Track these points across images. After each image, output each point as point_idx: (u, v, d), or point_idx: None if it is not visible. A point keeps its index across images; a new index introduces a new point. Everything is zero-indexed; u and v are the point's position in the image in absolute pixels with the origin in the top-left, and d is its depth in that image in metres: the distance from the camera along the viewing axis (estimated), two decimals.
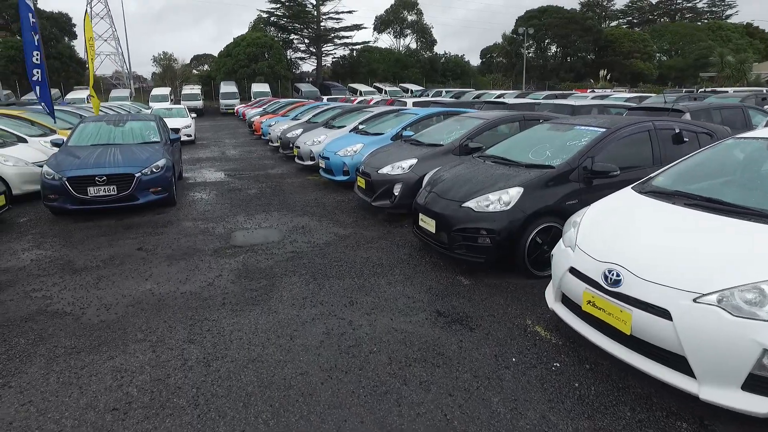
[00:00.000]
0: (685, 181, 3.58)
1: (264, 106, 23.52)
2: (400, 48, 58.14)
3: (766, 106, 10.14)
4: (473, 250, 4.38)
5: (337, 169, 8.50)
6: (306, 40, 52.69)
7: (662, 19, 68.83)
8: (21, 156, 8.17)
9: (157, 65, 56.28)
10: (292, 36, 52.10)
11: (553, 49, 59.01)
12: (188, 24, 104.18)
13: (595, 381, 2.94)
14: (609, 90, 31.98)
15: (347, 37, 53.15)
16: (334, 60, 54.59)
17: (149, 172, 7.01)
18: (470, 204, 4.45)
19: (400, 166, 6.42)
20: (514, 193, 4.37)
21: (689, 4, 68.40)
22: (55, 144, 8.16)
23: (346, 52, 53.87)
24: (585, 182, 4.54)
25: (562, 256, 3.34)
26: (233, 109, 33.31)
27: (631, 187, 3.69)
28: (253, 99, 33.54)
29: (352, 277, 4.61)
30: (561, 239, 3.54)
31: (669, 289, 2.54)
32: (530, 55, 55.86)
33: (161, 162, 7.21)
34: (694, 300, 2.42)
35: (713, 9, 68.14)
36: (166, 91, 35.63)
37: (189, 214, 7.17)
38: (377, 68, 50.41)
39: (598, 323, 2.93)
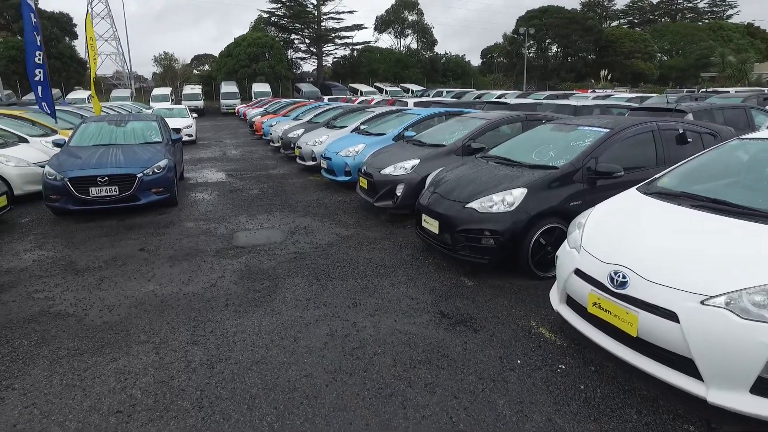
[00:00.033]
0: (691, 182, 3.56)
1: (265, 106, 23.51)
2: (401, 48, 58.17)
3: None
4: (477, 251, 4.37)
5: (339, 169, 8.49)
6: (307, 40, 52.72)
7: (663, 19, 68.77)
8: (22, 156, 8.17)
9: (158, 65, 56.35)
10: (293, 36, 52.12)
11: (554, 49, 59.01)
12: (189, 24, 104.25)
13: (601, 383, 2.92)
14: (610, 90, 31.92)
15: (348, 37, 53.23)
16: (334, 60, 54.69)
17: (151, 173, 7.00)
18: (474, 205, 4.44)
19: (402, 167, 6.40)
20: (517, 194, 4.35)
21: (690, 4, 68.35)
22: (56, 144, 8.15)
23: (347, 52, 53.95)
24: (589, 183, 4.53)
25: (567, 257, 3.33)
26: (234, 109, 33.32)
27: (636, 188, 3.68)
28: (253, 99, 33.55)
29: (355, 278, 4.60)
30: (566, 240, 3.52)
31: (676, 291, 2.52)
32: (531, 55, 55.83)
33: (163, 162, 7.20)
34: (702, 302, 2.41)
35: (714, 9, 68.10)
36: (166, 91, 35.65)
37: (191, 214, 7.16)
38: (378, 68, 50.40)
39: (603, 325, 2.92)
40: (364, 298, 4.14)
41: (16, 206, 7.25)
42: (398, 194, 6.25)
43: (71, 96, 31.27)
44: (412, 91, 40.22)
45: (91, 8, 47.63)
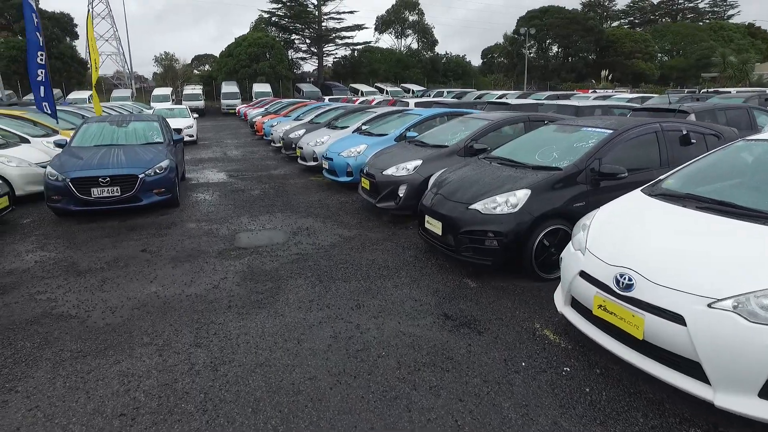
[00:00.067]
0: (696, 183, 3.55)
1: (266, 107, 23.50)
2: (402, 48, 58.13)
3: None
4: (480, 252, 4.36)
5: (340, 170, 8.48)
6: (307, 41, 52.68)
7: (664, 20, 68.72)
8: (24, 157, 8.16)
9: (159, 65, 56.34)
10: (294, 36, 52.09)
11: (555, 49, 58.98)
12: (189, 24, 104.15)
13: (606, 386, 2.91)
14: (610, 90, 31.91)
15: (348, 38, 53.18)
16: (335, 60, 54.64)
17: (153, 173, 6.99)
18: (477, 206, 4.43)
19: (404, 168, 6.39)
20: (521, 195, 4.34)
21: (691, 5, 68.29)
22: (58, 145, 8.14)
23: (348, 52, 53.92)
24: (592, 184, 4.51)
25: (571, 259, 3.32)
26: (235, 109, 33.31)
27: (641, 190, 3.66)
28: (254, 99, 33.54)
29: (358, 279, 4.59)
30: (570, 242, 3.51)
31: (683, 294, 2.51)
32: (531, 55, 55.82)
33: (165, 163, 7.19)
34: (709, 305, 2.39)
35: (715, 9, 68.08)
36: (167, 91, 35.65)
37: (192, 215, 7.15)
38: (378, 68, 50.38)
39: (609, 328, 2.91)
40: (368, 300, 4.12)
41: (18, 207, 7.24)
42: (401, 195, 6.24)
43: (72, 96, 31.27)
44: (413, 91, 40.21)
45: (92, 8, 47.61)
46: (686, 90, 31.44)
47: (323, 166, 9.21)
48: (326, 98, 29.86)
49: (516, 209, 4.29)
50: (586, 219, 3.55)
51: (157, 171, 7.04)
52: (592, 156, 4.57)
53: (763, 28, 61.93)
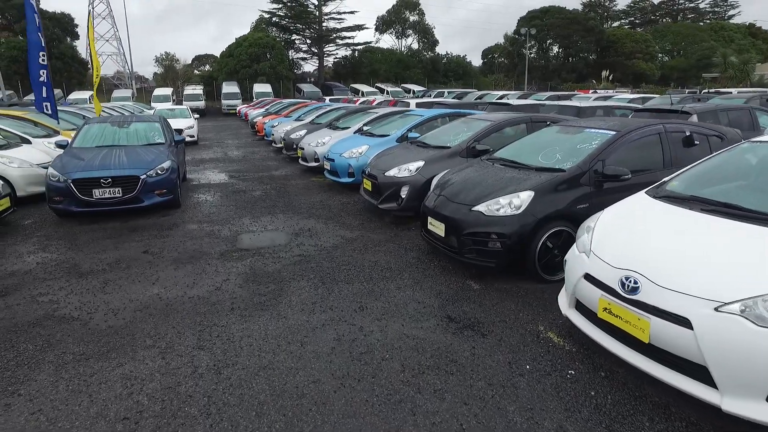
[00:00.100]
0: (701, 185, 3.54)
1: (266, 107, 23.50)
2: (402, 48, 58.11)
3: None
4: (484, 254, 4.34)
5: (342, 170, 8.47)
6: (308, 41, 52.64)
7: (664, 20, 68.67)
8: (25, 157, 8.15)
9: (159, 65, 56.35)
10: (294, 36, 52.05)
11: (555, 49, 58.93)
12: (190, 24, 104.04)
13: (612, 389, 2.90)
14: (611, 91, 31.89)
15: (349, 38, 53.14)
16: (335, 60, 54.61)
17: (154, 174, 6.98)
18: (480, 208, 4.41)
19: (407, 169, 6.38)
20: (524, 197, 4.33)
21: (691, 5, 68.23)
22: (59, 145, 8.13)
23: (348, 52, 53.90)
24: (596, 186, 4.50)
25: (576, 261, 3.30)
26: (235, 109, 33.31)
27: (645, 192, 3.65)
28: (255, 99, 33.53)
29: (361, 281, 4.57)
30: (574, 244, 3.50)
31: (689, 297, 2.49)
32: (532, 55, 55.78)
33: (166, 164, 7.18)
34: (716, 309, 2.38)
35: (715, 9, 68.03)
36: (168, 91, 35.66)
37: (194, 216, 7.14)
38: (379, 69, 50.36)
39: (614, 331, 2.89)
40: (371, 302, 4.11)
41: (19, 208, 7.23)
42: (403, 196, 6.23)
43: (72, 96, 31.29)
44: (414, 91, 40.21)
45: (92, 8, 47.61)
46: (687, 90, 31.39)
47: (325, 167, 9.20)
48: (327, 98, 29.85)
49: (519, 211, 4.27)
50: (590, 221, 3.53)
51: (159, 172, 7.03)
52: (595, 157, 4.55)
53: (763, 28, 61.89)
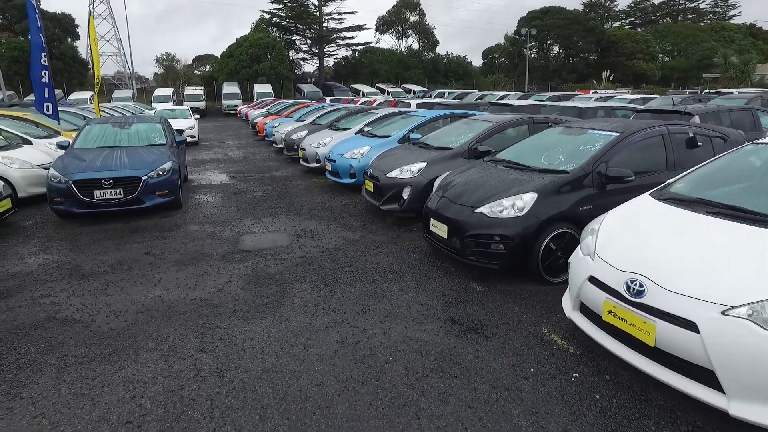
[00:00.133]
0: (705, 187, 3.52)
1: (267, 107, 23.48)
2: (403, 49, 58.10)
3: None
4: (487, 256, 4.33)
5: (343, 171, 8.45)
6: (308, 41, 52.63)
7: (665, 20, 68.65)
8: (26, 158, 8.13)
9: (160, 66, 56.34)
10: (295, 37, 52.04)
11: (556, 49, 58.90)
12: (190, 24, 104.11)
13: (617, 393, 2.88)
14: (612, 91, 31.87)
15: (349, 38, 53.12)
16: (336, 61, 54.59)
17: (156, 175, 6.97)
18: (483, 209, 4.40)
19: (409, 170, 6.36)
20: (528, 199, 4.31)
21: (692, 5, 68.22)
22: (60, 146, 8.11)
23: (349, 52, 53.89)
24: (599, 187, 4.49)
25: (580, 264, 3.29)
26: (236, 109, 33.30)
27: (649, 194, 3.63)
28: (255, 100, 33.52)
29: (364, 283, 4.56)
30: (578, 247, 3.48)
31: (695, 300, 2.48)
32: (532, 55, 55.75)
33: (168, 165, 7.16)
34: (723, 312, 2.36)
35: (716, 10, 68.02)
36: (168, 91, 35.64)
37: (195, 217, 7.13)
38: (379, 69, 50.35)
39: (619, 334, 2.88)
40: (373, 304, 4.10)
41: (20, 209, 7.22)
42: (405, 197, 6.22)
43: (73, 97, 31.27)
44: (414, 91, 40.19)
45: (93, 8, 47.62)
46: (688, 91, 31.36)
47: (326, 167, 9.18)
48: (327, 99, 29.85)
49: (523, 213, 4.26)
50: (594, 223, 3.52)
51: (160, 173, 7.02)
52: (598, 159, 4.54)
53: (764, 28, 61.88)
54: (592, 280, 3.09)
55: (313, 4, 50.78)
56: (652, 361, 2.69)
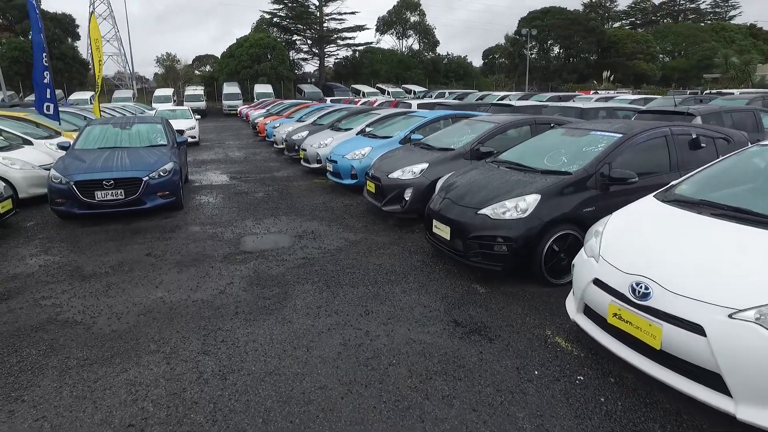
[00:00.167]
0: (710, 189, 3.50)
1: (268, 108, 23.46)
2: (403, 49, 58.07)
3: None
4: (490, 257, 4.31)
5: (345, 172, 8.44)
6: (309, 41, 52.59)
7: (665, 20, 68.65)
8: (27, 159, 8.12)
9: (160, 66, 56.33)
10: (295, 37, 52.00)
11: (556, 50, 58.87)
12: (190, 24, 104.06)
13: (622, 395, 2.87)
14: (612, 92, 31.84)
15: (350, 38, 53.06)
16: (336, 61, 54.55)
17: (157, 176, 6.95)
18: (486, 211, 4.38)
19: (411, 171, 6.35)
20: (531, 200, 4.30)
21: (692, 5, 68.24)
22: (61, 147, 8.10)
23: (349, 53, 53.83)
24: (602, 189, 4.47)
25: (584, 266, 3.27)
26: (236, 110, 33.28)
27: (654, 196, 3.61)
28: (256, 100, 33.50)
29: (366, 284, 4.54)
30: (582, 249, 3.46)
31: (702, 303, 2.46)
32: (533, 56, 55.72)
33: (169, 165, 7.15)
34: (730, 316, 2.35)
35: (716, 10, 68.02)
36: (169, 92, 35.63)
37: (196, 218, 7.11)
38: (380, 69, 50.32)
39: (624, 336, 2.86)
40: (376, 306, 4.08)
41: (21, 210, 7.21)
42: (406, 198, 6.20)
43: (73, 97, 31.26)
44: (414, 92, 40.16)
45: (93, 8, 47.62)
46: (688, 91, 31.34)
47: (327, 168, 9.16)
48: (328, 99, 29.83)
49: (526, 214, 4.24)
50: (598, 225, 3.50)
51: (161, 174, 7.00)
52: (601, 160, 4.52)
53: (764, 29, 61.86)
54: (597, 282, 3.07)
55: (314, 4, 50.79)
56: (657, 364, 2.68)
